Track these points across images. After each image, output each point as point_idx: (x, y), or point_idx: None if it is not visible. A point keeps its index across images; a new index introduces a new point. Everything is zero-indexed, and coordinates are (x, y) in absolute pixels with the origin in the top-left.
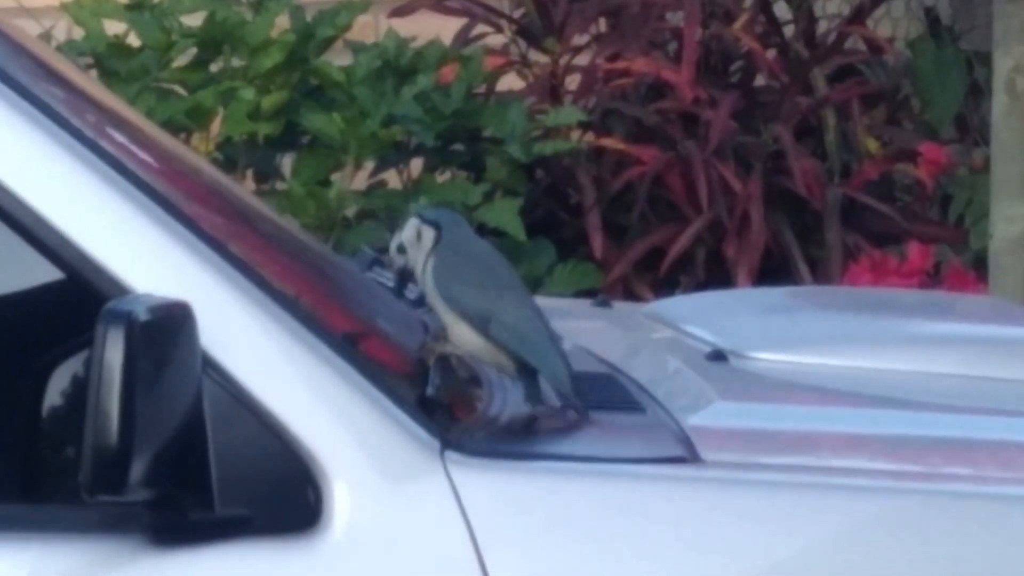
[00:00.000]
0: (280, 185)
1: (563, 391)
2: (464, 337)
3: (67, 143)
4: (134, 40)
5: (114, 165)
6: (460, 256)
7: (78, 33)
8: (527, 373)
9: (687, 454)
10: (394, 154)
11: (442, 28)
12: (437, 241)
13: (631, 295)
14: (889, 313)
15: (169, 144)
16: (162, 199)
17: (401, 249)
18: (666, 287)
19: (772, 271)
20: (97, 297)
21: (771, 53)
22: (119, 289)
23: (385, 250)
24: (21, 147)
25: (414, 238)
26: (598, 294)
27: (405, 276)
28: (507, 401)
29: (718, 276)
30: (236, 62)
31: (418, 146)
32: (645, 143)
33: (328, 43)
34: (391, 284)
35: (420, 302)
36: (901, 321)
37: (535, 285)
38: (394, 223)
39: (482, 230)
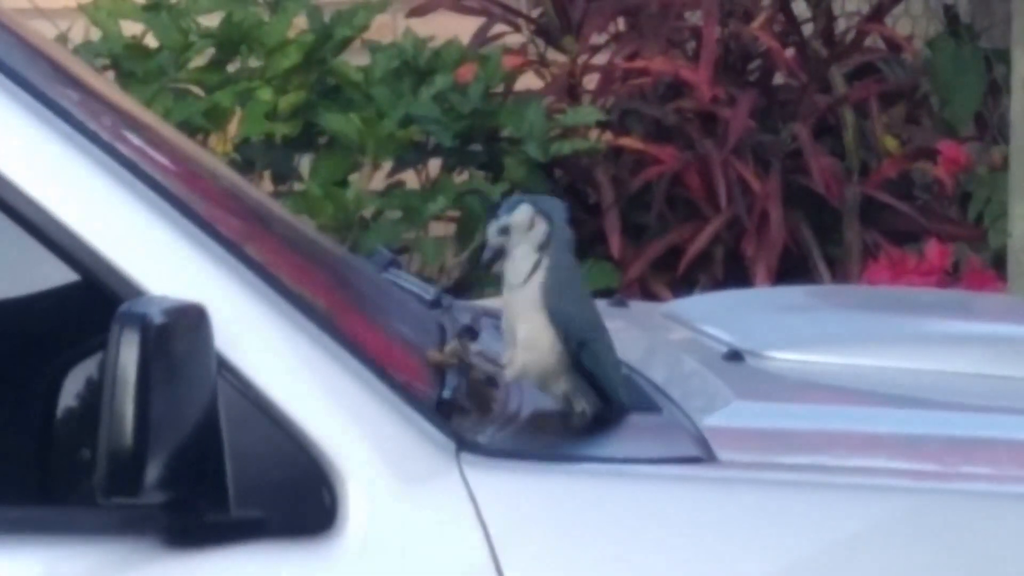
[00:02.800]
0: (298, 186)
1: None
2: (544, 353)
3: (81, 145)
4: (151, 41)
5: (129, 167)
6: (571, 274)
7: (95, 34)
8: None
9: (704, 454)
10: (412, 154)
11: (460, 28)
12: (549, 236)
13: (649, 295)
14: (908, 312)
15: (185, 146)
16: (177, 201)
17: (504, 231)
18: (684, 286)
19: (791, 270)
20: (112, 299)
21: (790, 51)
22: (134, 291)
23: (402, 251)
24: (35, 149)
25: (525, 224)
26: (615, 294)
27: (498, 256)
28: (523, 402)
29: (736, 275)
30: (253, 62)
31: (436, 146)
32: (663, 142)
33: (346, 43)
34: (408, 285)
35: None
36: (920, 320)
37: None
38: (413, 222)
39: None
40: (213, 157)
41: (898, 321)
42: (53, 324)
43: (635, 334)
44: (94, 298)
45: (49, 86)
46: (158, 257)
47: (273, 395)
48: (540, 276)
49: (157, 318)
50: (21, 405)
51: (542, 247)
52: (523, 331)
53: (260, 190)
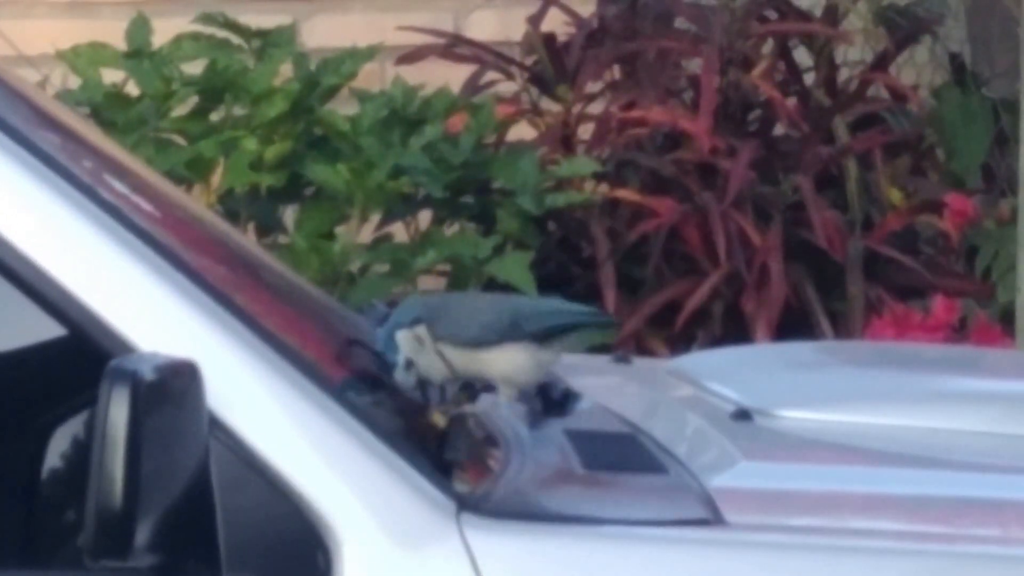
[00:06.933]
0: (283, 238)
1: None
2: (505, 362)
3: (69, 195)
4: (132, 89)
5: (119, 218)
6: (452, 312)
7: (75, 82)
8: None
9: (710, 516)
10: (401, 206)
11: (451, 75)
12: (427, 328)
13: (645, 351)
14: (916, 369)
15: (174, 195)
16: (168, 253)
17: (409, 364)
18: (682, 343)
19: (792, 326)
20: (101, 355)
21: (791, 101)
22: (123, 347)
23: (391, 305)
24: (21, 199)
25: (415, 346)
26: (612, 350)
27: (425, 384)
28: (526, 461)
29: (736, 331)
30: (238, 111)
31: (426, 198)
32: (661, 194)
33: (333, 92)
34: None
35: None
36: (927, 377)
37: None
38: (402, 276)
39: (492, 284)
40: (203, 207)
41: (907, 379)
42: (41, 380)
43: (639, 391)
44: (82, 354)
45: (35, 134)
46: (148, 311)
47: (266, 454)
48: (446, 346)
49: (148, 375)
50: (7, 463)
51: (436, 337)
52: (494, 369)
53: (250, 241)
